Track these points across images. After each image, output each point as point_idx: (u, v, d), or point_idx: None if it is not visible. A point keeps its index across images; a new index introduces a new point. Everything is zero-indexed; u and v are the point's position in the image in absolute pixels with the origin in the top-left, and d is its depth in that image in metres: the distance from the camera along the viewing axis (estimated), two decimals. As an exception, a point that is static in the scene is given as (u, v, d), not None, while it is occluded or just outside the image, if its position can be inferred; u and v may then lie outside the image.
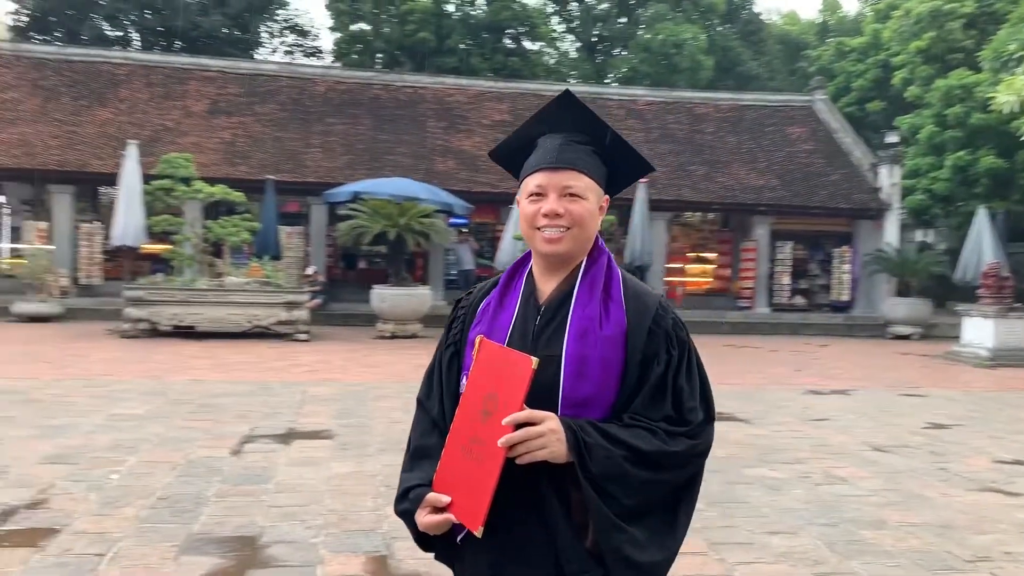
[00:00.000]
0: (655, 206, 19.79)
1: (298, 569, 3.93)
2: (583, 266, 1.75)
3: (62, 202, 18.84)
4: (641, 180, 18.50)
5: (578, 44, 37.67)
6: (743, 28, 36.39)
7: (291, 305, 14.68)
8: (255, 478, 5.47)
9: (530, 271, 1.81)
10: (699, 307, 21.40)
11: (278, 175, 18.60)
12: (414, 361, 12.05)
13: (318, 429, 7.08)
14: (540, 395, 1.61)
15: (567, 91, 1.79)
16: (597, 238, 1.79)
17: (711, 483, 5.64)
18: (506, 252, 17.54)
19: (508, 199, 17.98)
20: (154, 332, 14.26)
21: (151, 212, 15.61)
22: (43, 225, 18.92)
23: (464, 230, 21.14)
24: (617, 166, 1.81)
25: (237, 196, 15.40)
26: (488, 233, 22.49)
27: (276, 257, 16.65)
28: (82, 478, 5.30)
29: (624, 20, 36.31)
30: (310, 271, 18.85)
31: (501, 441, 1.55)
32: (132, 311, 14.21)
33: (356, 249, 19.94)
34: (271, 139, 20.30)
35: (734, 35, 35.78)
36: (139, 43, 30.80)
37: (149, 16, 30.49)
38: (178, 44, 30.00)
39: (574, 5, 37.05)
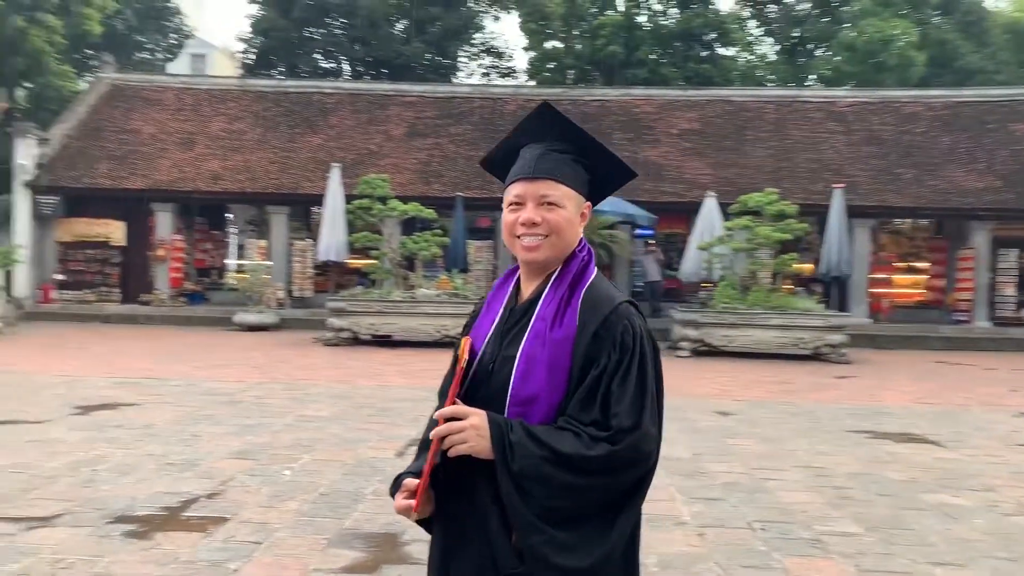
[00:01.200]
0: (856, 212, 18.68)
1: (430, 567, 4.08)
2: (557, 271, 1.80)
3: (279, 222, 20.63)
4: (836, 185, 17.67)
5: (777, 47, 36.28)
6: (962, 19, 33.46)
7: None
8: (411, 480, 5.72)
9: (519, 276, 1.88)
10: (909, 320, 19.92)
11: (468, 192, 19.34)
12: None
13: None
14: (496, 393, 1.71)
15: (545, 103, 1.84)
16: (582, 242, 1.83)
17: (877, 506, 5.25)
18: (691, 262, 17.21)
19: (695, 208, 17.64)
20: (355, 340, 15.24)
21: (353, 229, 16.74)
22: (263, 243, 20.82)
23: (651, 241, 20.91)
24: (600, 173, 1.85)
25: (428, 213, 16.17)
26: (678, 244, 22.10)
27: (464, 270, 17.30)
28: (259, 473, 5.78)
29: (827, 19, 34.54)
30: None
31: (432, 434, 1.67)
32: (334, 321, 15.29)
33: (544, 262, 20.23)
34: (463, 158, 21.13)
35: (951, 27, 32.99)
36: (349, 73, 33.15)
37: (358, 48, 32.75)
38: (384, 72, 31.99)
39: (772, 7, 35.74)
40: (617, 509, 1.68)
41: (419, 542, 4.42)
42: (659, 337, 16.79)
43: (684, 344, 15.07)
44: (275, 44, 31.78)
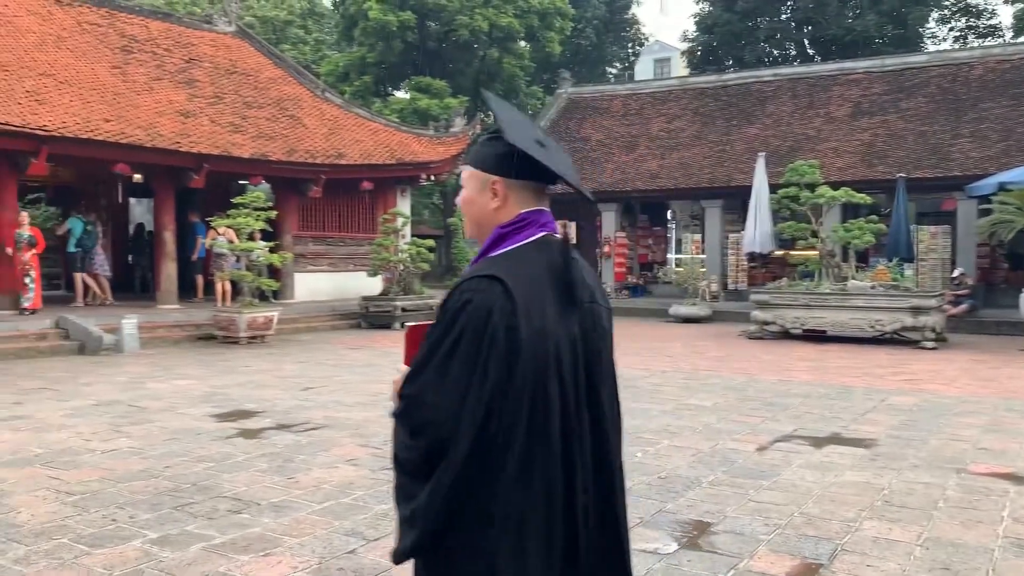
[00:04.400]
0: None
1: (723, 558, 3.96)
2: None
3: (712, 215, 20.86)
4: None
5: None
6: None
7: (917, 310, 13.69)
8: (757, 474, 5.52)
9: None
10: None
11: (919, 171, 17.50)
12: (1050, 376, 10.17)
13: (863, 437, 6.68)
14: None
15: (485, 92, 2.02)
16: (517, 217, 1.81)
17: None
18: None
19: None
20: (785, 335, 14.80)
21: (781, 219, 16.26)
22: (697, 236, 21.25)
23: None
24: (509, 138, 1.81)
25: (861, 198, 14.99)
26: None
27: (908, 259, 15.69)
28: (614, 452, 6.07)
29: None
30: (956, 273, 17.21)
31: None
32: (758, 314, 15.02)
33: (1028, 248, 17.50)
34: (914, 134, 19.15)
35: None
36: (796, 58, 31.96)
37: (807, 30, 31.44)
38: (833, 51, 30.24)
39: None
40: (427, 475, 1.70)
41: (728, 533, 4.33)
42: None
43: None
44: (721, 39, 31.99)
